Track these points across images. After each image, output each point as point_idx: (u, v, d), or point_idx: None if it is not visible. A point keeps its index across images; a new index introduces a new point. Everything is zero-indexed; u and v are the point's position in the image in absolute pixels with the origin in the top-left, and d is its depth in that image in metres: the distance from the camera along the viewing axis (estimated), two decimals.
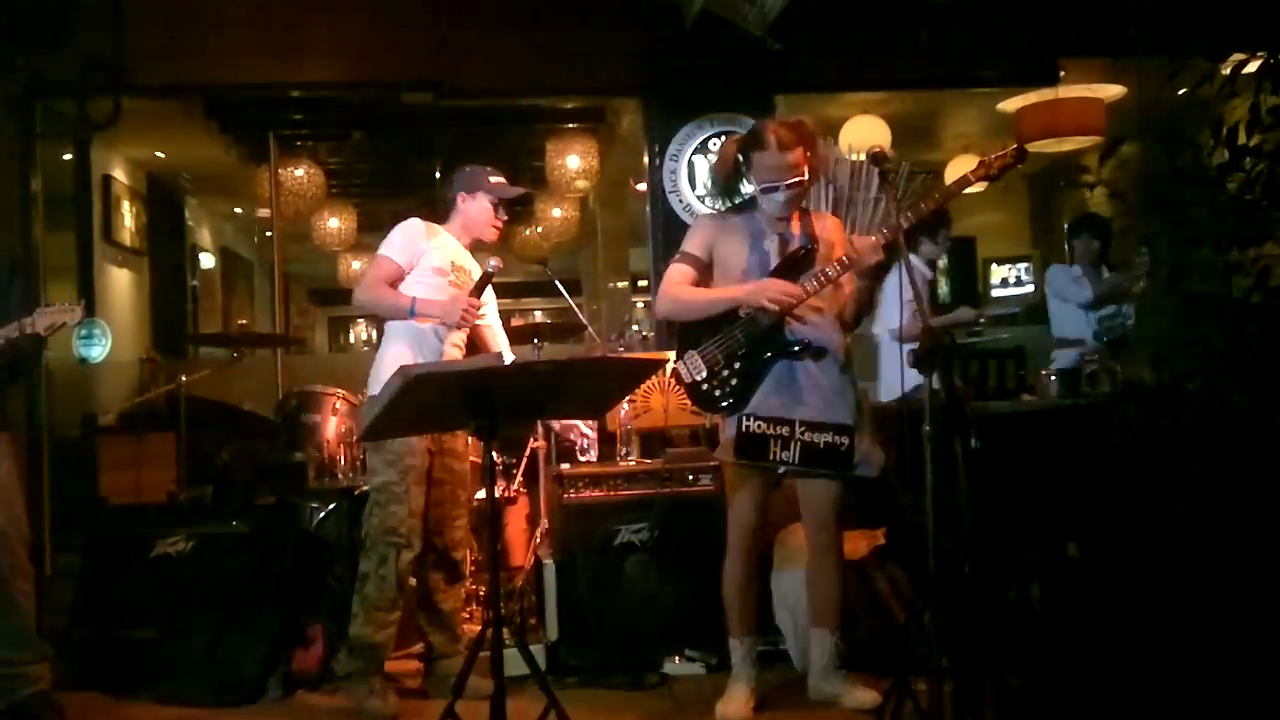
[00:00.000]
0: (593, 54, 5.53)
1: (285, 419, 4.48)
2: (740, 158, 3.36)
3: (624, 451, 4.12)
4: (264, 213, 7.96)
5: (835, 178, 5.29)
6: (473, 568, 4.26)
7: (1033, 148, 7.04)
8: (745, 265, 3.35)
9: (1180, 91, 3.29)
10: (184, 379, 5.22)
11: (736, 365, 3.31)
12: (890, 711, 2.88)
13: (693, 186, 5.46)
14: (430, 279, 3.62)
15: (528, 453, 4.64)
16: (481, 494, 4.54)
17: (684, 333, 3.44)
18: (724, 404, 3.32)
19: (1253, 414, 2.84)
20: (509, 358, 3.75)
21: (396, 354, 3.57)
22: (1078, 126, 6.53)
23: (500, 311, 4.00)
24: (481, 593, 4.34)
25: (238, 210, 10.31)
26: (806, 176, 3.29)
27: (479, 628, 3.82)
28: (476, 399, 2.67)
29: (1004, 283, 9.28)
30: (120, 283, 8.12)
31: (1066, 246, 5.78)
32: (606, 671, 3.71)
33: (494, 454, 2.87)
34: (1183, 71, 3.00)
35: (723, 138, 5.48)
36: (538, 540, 4.49)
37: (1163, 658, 2.78)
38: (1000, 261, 9.38)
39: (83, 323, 4.79)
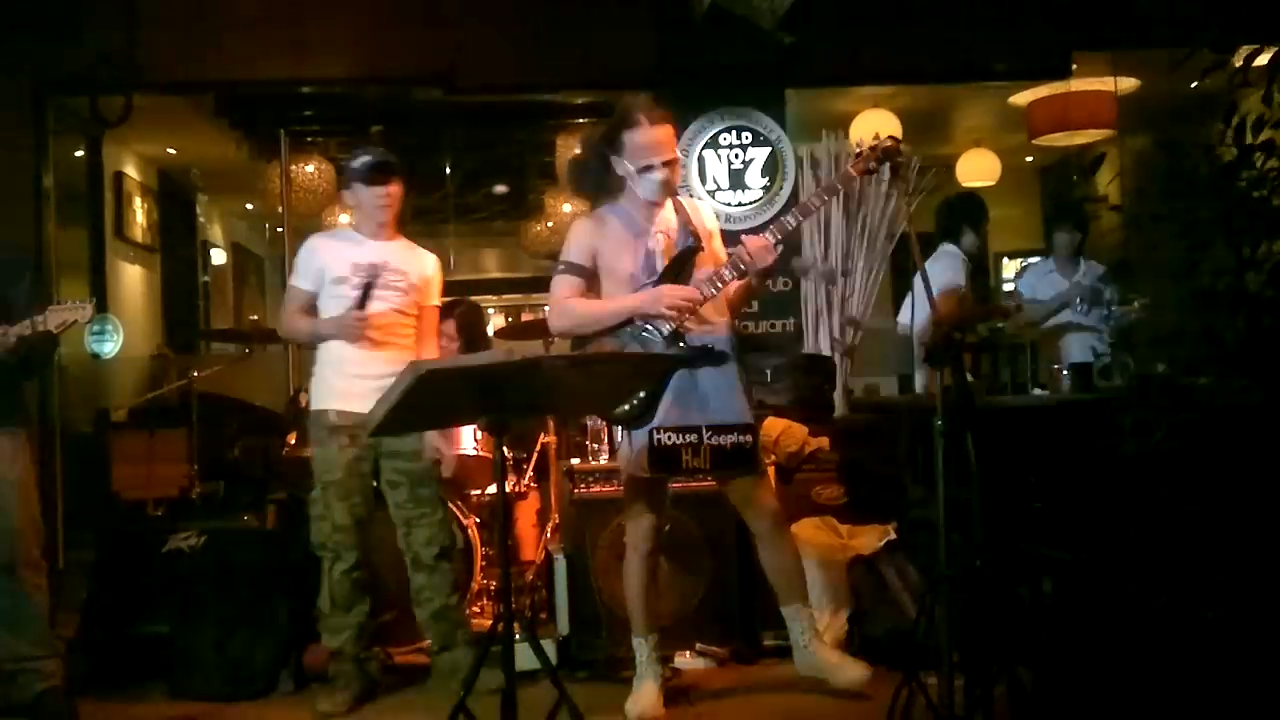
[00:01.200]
0: (603, 49, 5.53)
1: (297, 414, 4.50)
2: (606, 145, 3.26)
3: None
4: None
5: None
6: (484, 562, 4.27)
7: (1044, 141, 7.04)
8: (632, 269, 3.27)
9: (1192, 85, 3.27)
10: (196, 374, 5.24)
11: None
12: (901, 707, 2.87)
13: (703, 181, 5.45)
14: (335, 291, 3.61)
15: (538, 448, 4.65)
16: (492, 489, 4.55)
17: (579, 346, 3.36)
18: (635, 418, 3.24)
19: (1265, 409, 2.82)
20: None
21: (319, 377, 3.65)
22: (1090, 120, 6.51)
23: (509, 307, 4.00)
24: (493, 587, 4.35)
25: (249, 206, 10.31)
26: (678, 153, 3.25)
27: (490, 622, 3.86)
28: (486, 394, 2.67)
29: (1016, 276, 9.23)
30: (132, 279, 8.15)
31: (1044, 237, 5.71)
32: (617, 666, 3.71)
33: (505, 449, 2.86)
34: (1193, 63, 2.98)
35: (734, 132, 5.49)
36: (548, 535, 4.50)
37: (1174, 653, 2.77)
38: (1012, 256, 9.33)
39: (95, 319, 4.82)
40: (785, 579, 3.39)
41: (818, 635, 3.42)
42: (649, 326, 3.26)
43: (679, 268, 3.28)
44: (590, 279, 3.30)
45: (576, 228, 3.37)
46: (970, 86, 6.80)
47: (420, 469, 3.68)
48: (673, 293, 3.20)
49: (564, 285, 3.30)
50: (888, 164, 3.28)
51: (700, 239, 3.32)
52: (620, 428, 3.34)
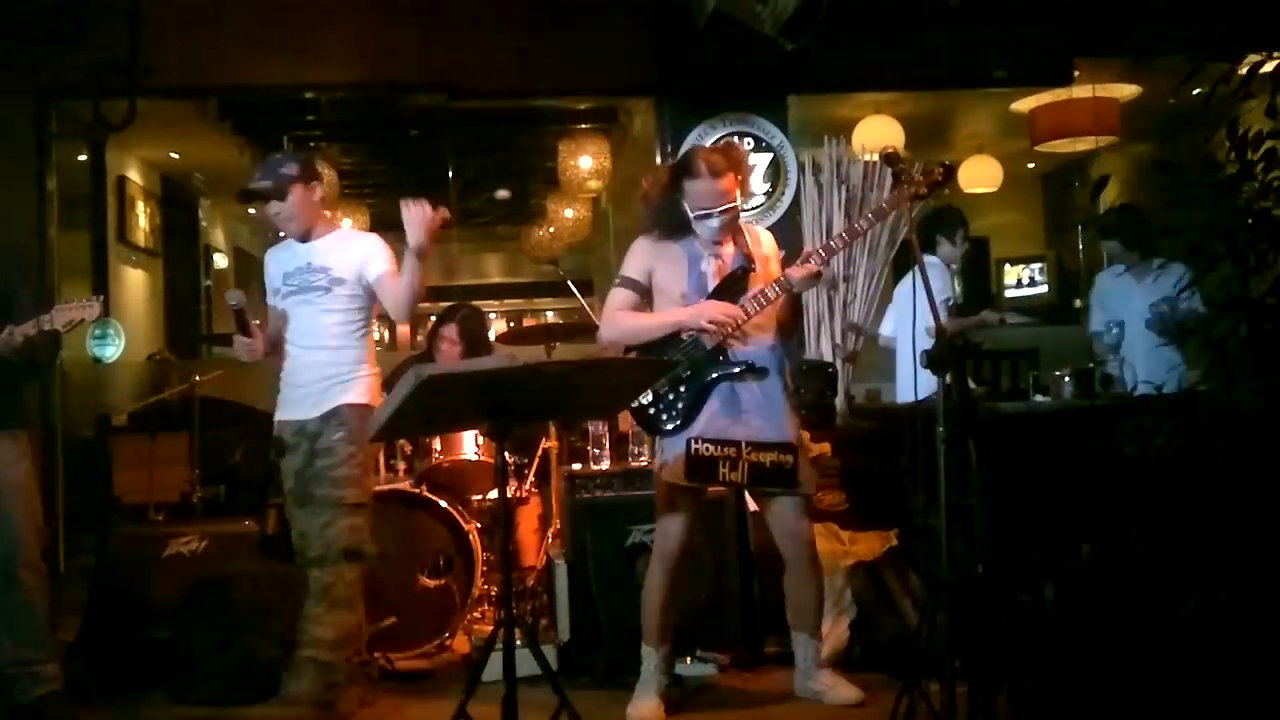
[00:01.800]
0: (605, 55, 5.54)
1: None
2: (671, 188, 3.37)
3: (635, 452, 4.12)
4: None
5: (848, 178, 5.30)
6: (485, 567, 4.27)
7: (1047, 147, 7.05)
8: (684, 288, 3.38)
9: (1195, 92, 3.27)
10: (197, 379, 5.24)
11: (681, 388, 3.33)
12: (903, 714, 2.87)
13: None
14: (273, 302, 3.63)
15: (539, 453, 4.64)
16: (493, 494, 4.55)
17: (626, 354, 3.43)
18: (668, 426, 3.33)
19: (1267, 415, 2.82)
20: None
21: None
22: (1092, 126, 6.52)
23: (512, 311, 4.00)
24: (494, 592, 4.34)
25: (251, 210, 10.34)
26: (739, 200, 3.35)
27: (491, 627, 3.85)
28: (488, 399, 2.67)
29: (1018, 283, 9.23)
30: (134, 283, 8.16)
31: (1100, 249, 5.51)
32: (618, 672, 3.70)
33: (506, 454, 2.86)
34: (1198, 73, 2.98)
35: (736, 138, 5.50)
36: (549, 540, 4.50)
37: (1176, 660, 2.76)
38: (1014, 262, 9.34)
39: (97, 322, 4.81)
40: (803, 607, 3.46)
41: (819, 664, 3.48)
42: (696, 341, 3.33)
43: (730, 287, 3.37)
44: (644, 295, 3.43)
45: (636, 246, 3.50)
46: (972, 93, 6.82)
47: (337, 475, 3.50)
48: (715, 308, 3.30)
49: (618, 298, 3.44)
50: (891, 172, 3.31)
51: (755, 262, 3.40)
52: (657, 436, 3.40)
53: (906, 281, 4.83)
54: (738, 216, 3.41)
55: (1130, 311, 4.70)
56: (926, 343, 2.90)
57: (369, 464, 3.62)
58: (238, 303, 3.52)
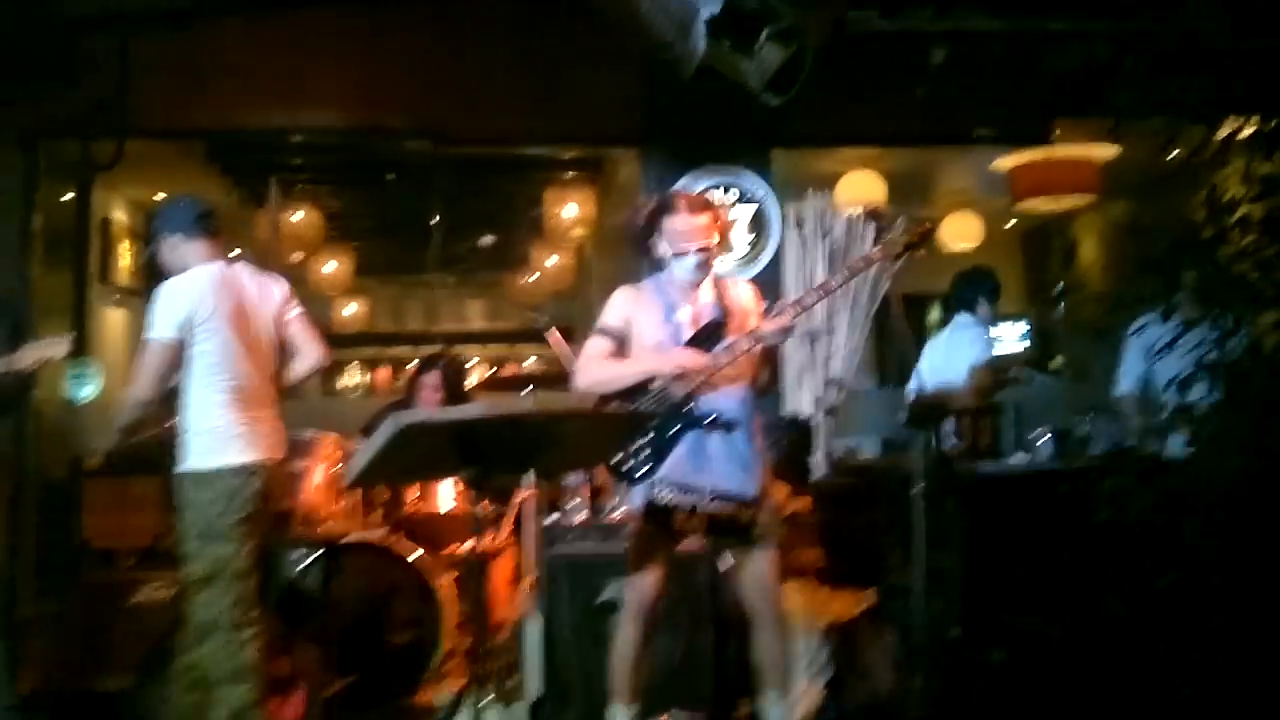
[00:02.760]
0: (592, 104, 5.57)
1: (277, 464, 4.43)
2: (649, 223, 3.42)
3: (609, 506, 4.08)
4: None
5: (831, 231, 5.33)
6: (459, 619, 4.21)
7: (1026, 206, 7.11)
8: (659, 337, 3.40)
9: (1173, 154, 3.31)
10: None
11: (649, 435, 3.32)
12: None
13: None
14: None
15: (516, 504, 4.60)
16: (467, 544, 4.51)
17: (600, 404, 3.43)
18: (637, 474, 3.32)
19: (1246, 478, 2.82)
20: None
21: None
22: (1071, 185, 6.58)
23: (493, 360, 3.99)
24: (465, 647, 4.28)
25: (236, 252, 10.35)
26: (716, 242, 3.38)
27: (464, 682, 3.79)
28: (466, 448, 2.65)
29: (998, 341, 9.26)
30: (115, 323, 8.10)
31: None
32: None
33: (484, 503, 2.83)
34: (1176, 136, 3.02)
35: (721, 189, 5.53)
36: (523, 593, 4.44)
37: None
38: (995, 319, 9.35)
39: (74, 362, 4.76)
40: (770, 664, 3.41)
41: None
42: (666, 390, 3.33)
43: (704, 338, 3.38)
44: (621, 343, 3.44)
45: (616, 295, 3.54)
46: (953, 149, 6.89)
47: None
48: (684, 356, 3.32)
49: (594, 346, 3.46)
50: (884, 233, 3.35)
51: (732, 315, 3.41)
52: (625, 483, 3.40)
53: (940, 338, 5.01)
54: (714, 259, 3.43)
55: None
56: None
57: (215, 529, 3.40)
58: None
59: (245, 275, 3.64)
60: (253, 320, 3.56)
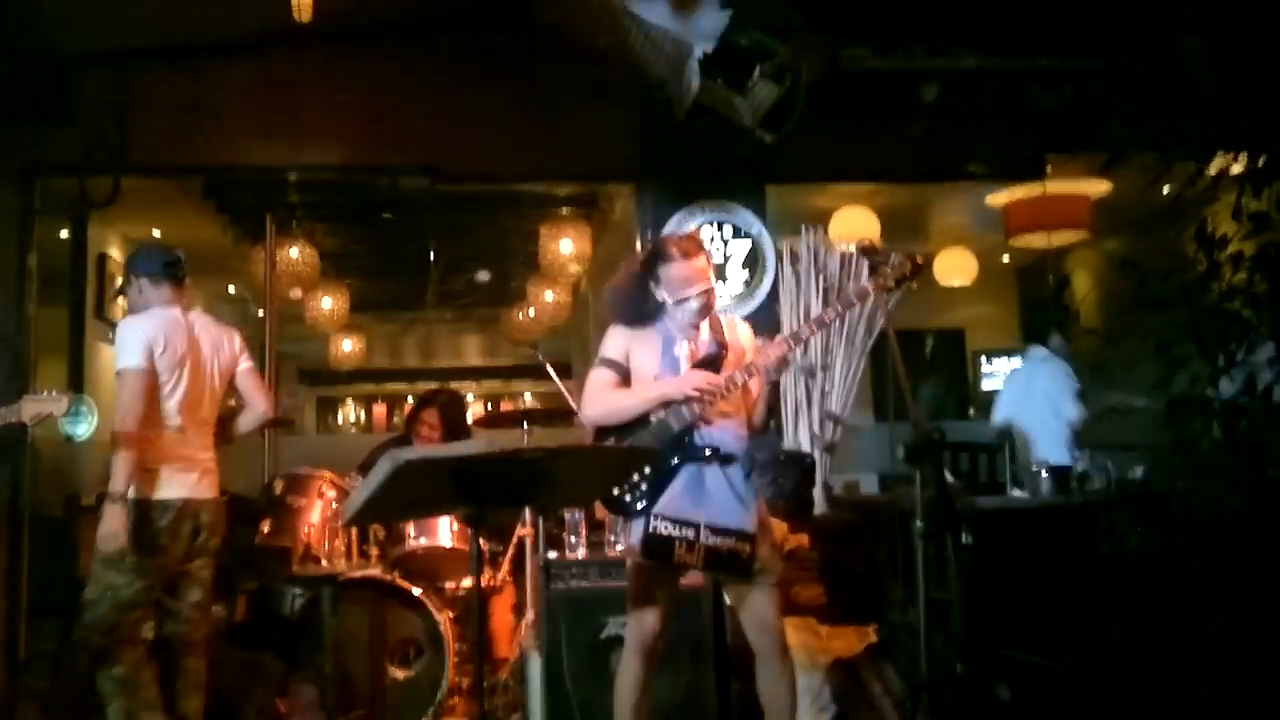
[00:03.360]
0: (587, 141, 5.61)
1: (270, 502, 4.43)
2: (646, 274, 3.41)
3: (612, 540, 4.08)
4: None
5: (825, 267, 5.36)
6: (457, 659, 4.19)
7: (1021, 241, 7.16)
8: (659, 371, 3.39)
9: (1164, 190, 3.34)
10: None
11: (646, 470, 3.30)
12: None
13: None
14: None
15: (515, 540, 4.59)
16: (467, 581, 4.49)
17: (601, 439, 3.42)
18: (635, 508, 3.29)
19: (1248, 515, 2.82)
20: None
21: None
22: (1065, 221, 6.63)
23: (489, 396, 4.00)
24: (465, 685, 4.25)
25: (231, 289, 10.34)
26: (713, 282, 3.39)
27: None
28: (465, 485, 2.65)
29: (995, 375, 9.28)
30: (111, 360, 8.08)
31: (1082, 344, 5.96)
32: None
33: (481, 540, 2.82)
34: (1167, 172, 3.05)
35: (715, 226, 5.56)
36: (523, 631, 4.42)
37: None
38: (990, 355, 9.39)
39: (70, 400, 4.74)
40: (776, 706, 3.36)
41: None
42: (664, 423, 3.32)
43: (704, 369, 3.37)
44: (624, 375, 3.43)
45: (615, 330, 3.52)
46: (947, 186, 6.94)
47: None
48: (700, 377, 3.31)
49: (599, 378, 3.44)
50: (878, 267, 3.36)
51: (728, 348, 3.42)
52: (623, 518, 3.37)
53: (1020, 371, 5.56)
54: (714, 298, 3.44)
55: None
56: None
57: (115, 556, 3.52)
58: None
59: (200, 324, 3.83)
60: (201, 368, 3.74)
